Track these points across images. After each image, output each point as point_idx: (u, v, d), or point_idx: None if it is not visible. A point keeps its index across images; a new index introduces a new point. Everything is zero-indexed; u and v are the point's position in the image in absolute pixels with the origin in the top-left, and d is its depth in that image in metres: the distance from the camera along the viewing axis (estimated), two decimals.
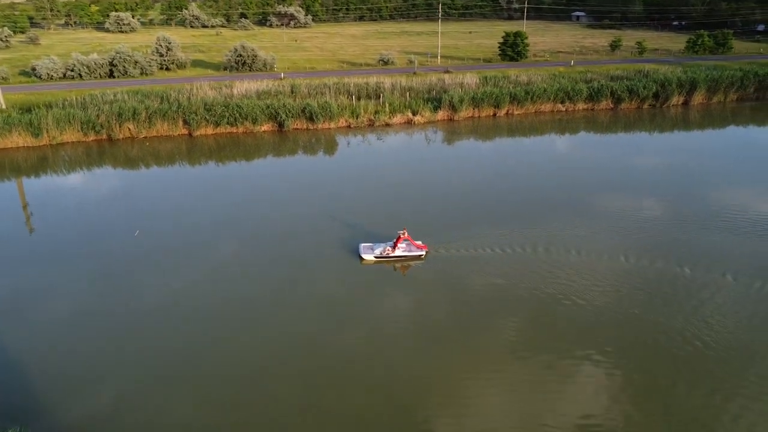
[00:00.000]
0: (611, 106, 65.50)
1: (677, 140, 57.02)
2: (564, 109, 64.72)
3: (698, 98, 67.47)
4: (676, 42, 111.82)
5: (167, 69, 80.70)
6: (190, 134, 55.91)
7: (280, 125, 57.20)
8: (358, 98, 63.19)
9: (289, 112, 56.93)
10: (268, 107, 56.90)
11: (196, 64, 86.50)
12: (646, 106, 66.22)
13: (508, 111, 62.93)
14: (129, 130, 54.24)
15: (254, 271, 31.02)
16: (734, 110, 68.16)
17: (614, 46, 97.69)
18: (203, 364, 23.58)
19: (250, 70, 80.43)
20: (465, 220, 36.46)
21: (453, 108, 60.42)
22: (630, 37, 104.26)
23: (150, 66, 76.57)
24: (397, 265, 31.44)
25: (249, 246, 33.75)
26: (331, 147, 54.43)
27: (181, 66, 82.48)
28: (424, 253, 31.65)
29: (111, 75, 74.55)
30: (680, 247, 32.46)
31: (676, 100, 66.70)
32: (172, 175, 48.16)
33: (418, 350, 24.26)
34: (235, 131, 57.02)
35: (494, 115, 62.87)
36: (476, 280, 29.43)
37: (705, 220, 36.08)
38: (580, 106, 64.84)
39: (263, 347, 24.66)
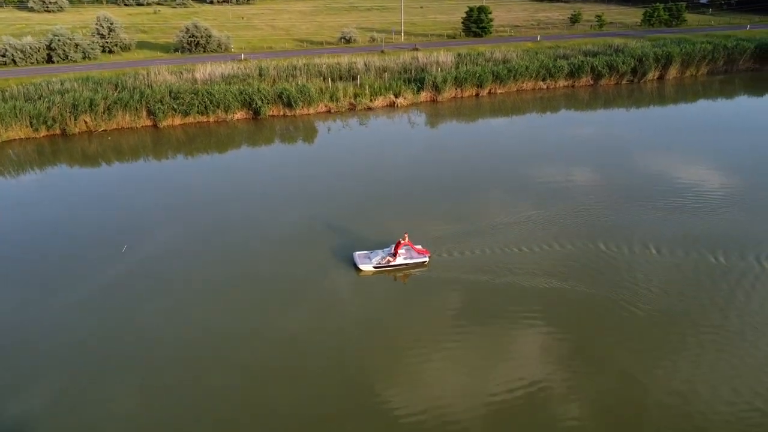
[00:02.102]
0: (591, 82, 64.33)
1: (654, 115, 56.41)
2: (545, 86, 62.99)
3: (672, 72, 67.36)
4: (628, 15, 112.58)
5: (111, 52, 73.29)
6: (155, 125, 50.42)
7: (256, 112, 52.52)
8: (332, 80, 59.11)
9: (265, 98, 52.31)
10: (242, 93, 52.06)
11: (142, 45, 79.21)
12: (624, 81, 65.49)
13: (490, 90, 60.57)
14: (86, 123, 48.22)
15: (231, 293, 26.50)
16: (705, 83, 68.56)
17: (574, 19, 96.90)
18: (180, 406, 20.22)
19: (204, 52, 74.25)
20: (467, 216, 33.49)
21: (436, 89, 57.44)
22: (581, 10, 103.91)
23: (93, 49, 69.13)
24: (398, 274, 27.94)
25: (225, 259, 29.37)
26: (311, 135, 50.41)
27: (125, 48, 75.15)
28: (427, 259, 28.29)
29: (49, 60, 66.78)
30: (611, 228, 31.97)
31: (652, 75, 66.30)
32: (138, 172, 43.05)
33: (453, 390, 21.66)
34: (205, 120, 51.93)
35: (477, 95, 60.35)
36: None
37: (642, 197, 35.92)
38: (561, 83, 63.29)
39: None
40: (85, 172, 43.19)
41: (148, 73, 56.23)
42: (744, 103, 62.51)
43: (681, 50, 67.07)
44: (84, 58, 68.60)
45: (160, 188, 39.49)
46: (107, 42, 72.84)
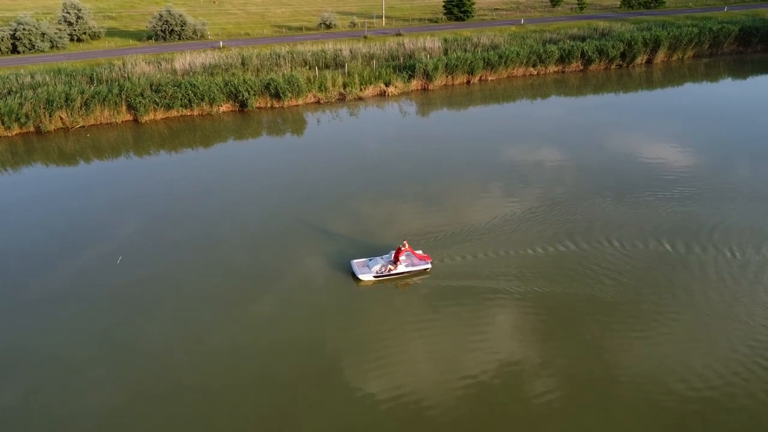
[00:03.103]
0: (581, 67, 63.47)
1: (645, 100, 55.82)
2: (536, 72, 61.86)
3: (660, 56, 66.97)
4: None
5: (79, 40, 69.52)
6: (136, 120, 47.69)
7: (242, 105, 50.16)
8: (318, 68, 56.91)
9: (251, 89, 49.94)
10: (227, 85, 49.57)
11: (112, 33, 75.40)
12: (613, 66, 64.83)
13: (481, 77, 59.18)
14: (62, 119, 45.30)
15: (220, 303, 24.60)
16: (691, 67, 68.33)
17: (555, 1, 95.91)
18: None
19: (179, 39, 70.99)
20: (468, 213, 31.93)
21: (427, 77, 55.78)
22: None
23: (60, 38, 65.34)
24: (400, 282, 26.16)
25: (210, 268, 27.36)
26: (300, 127, 48.37)
27: (94, 36, 71.40)
28: (429, 265, 26.53)
29: (14, 50, 62.88)
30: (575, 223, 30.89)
31: (641, 59, 65.80)
32: (118, 170, 40.44)
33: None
34: (189, 114, 49.36)
35: (468, 82, 58.89)
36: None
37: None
38: (552, 68, 62.26)
39: None
40: (62, 171, 40.48)
41: (124, 64, 53.21)
42: (729, 88, 62.37)
43: (668, 34, 66.61)
44: (52, 47, 64.84)
45: (143, 187, 37.13)
46: (75, 30, 69.03)
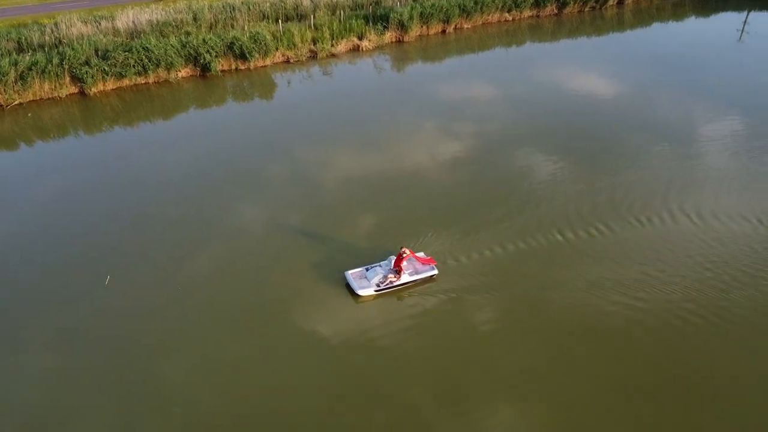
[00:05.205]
0: (555, 11, 60.55)
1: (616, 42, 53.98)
2: (511, 18, 58.47)
3: None
4: None
5: None
6: (83, 93, 41.36)
7: (204, 69, 44.46)
8: (278, 21, 51.28)
9: (213, 50, 44.20)
10: (185, 46, 43.59)
11: None
12: (587, 9, 62.29)
13: (456, 26, 55.29)
14: None
15: (184, 332, 21.00)
16: (659, 7, 66.86)
17: None
18: None
19: None
20: (463, 194, 29.17)
21: (402, 27, 51.40)
22: None
23: None
24: (403, 293, 22.81)
25: (174, 273, 23.94)
26: (269, 90, 43.71)
27: None
28: (436, 271, 23.17)
29: None
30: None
31: (613, 0, 63.59)
32: (67, 152, 35.44)
33: None
34: (144, 82, 43.34)
35: (443, 31, 54.89)
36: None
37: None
38: (527, 13, 59.02)
39: None
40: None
41: (56, 25, 45.86)
42: (694, 26, 61.54)
43: None
44: None
45: (95, 170, 32.48)
46: None
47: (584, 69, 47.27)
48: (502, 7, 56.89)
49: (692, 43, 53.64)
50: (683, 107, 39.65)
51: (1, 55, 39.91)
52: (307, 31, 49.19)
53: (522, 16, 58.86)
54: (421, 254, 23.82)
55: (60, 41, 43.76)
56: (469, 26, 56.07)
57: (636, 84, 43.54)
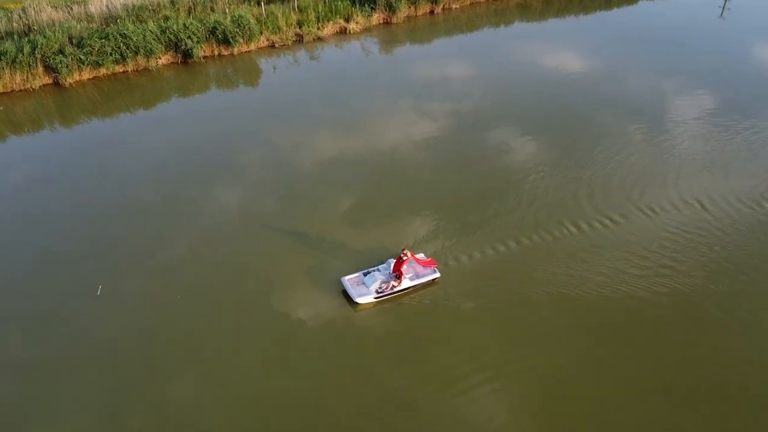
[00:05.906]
0: None
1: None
2: None
3: None
4: None
5: None
6: (57, 83, 39.06)
7: (185, 55, 42.37)
8: (259, 3, 49.10)
9: (194, 35, 42.14)
10: (164, 31, 41.43)
11: None
12: None
13: (445, 6, 53.69)
14: None
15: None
16: None
17: None
18: None
19: None
20: (460, 185, 28.34)
21: (390, 8, 49.69)
22: None
23: None
24: (404, 299, 21.74)
25: (154, 273, 22.90)
26: (254, 77, 42.18)
27: None
28: (438, 274, 22.18)
29: None
30: None
31: None
32: (41, 148, 33.71)
33: None
34: (123, 71, 41.15)
35: (432, 12, 53.23)
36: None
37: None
38: None
39: None
40: None
41: (24, 10, 43.19)
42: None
43: None
44: None
45: (72, 166, 30.99)
46: None
47: (568, 49, 46.43)
48: None
49: (677, 20, 52.98)
50: (666, 87, 39.14)
51: None
52: (291, 13, 47.21)
53: None
54: (421, 256, 22.72)
55: (30, 28, 41.19)
56: (458, 6, 54.48)
57: (635, 65, 42.84)
